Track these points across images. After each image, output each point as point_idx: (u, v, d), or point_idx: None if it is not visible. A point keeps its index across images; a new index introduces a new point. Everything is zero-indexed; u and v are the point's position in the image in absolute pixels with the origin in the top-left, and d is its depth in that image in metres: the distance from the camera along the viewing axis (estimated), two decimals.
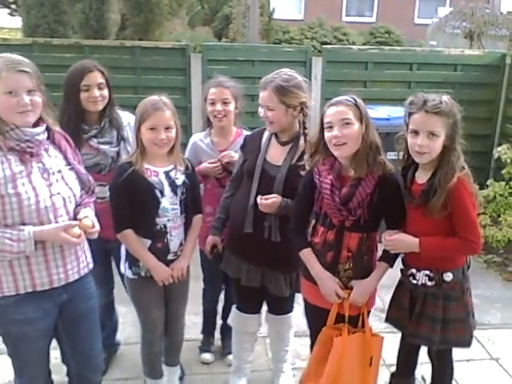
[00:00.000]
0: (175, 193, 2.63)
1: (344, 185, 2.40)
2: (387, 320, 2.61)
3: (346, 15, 21.32)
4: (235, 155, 2.95)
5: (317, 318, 2.60)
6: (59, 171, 2.20)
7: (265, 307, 3.03)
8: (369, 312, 2.59)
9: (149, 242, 2.62)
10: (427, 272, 2.37)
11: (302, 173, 2.55)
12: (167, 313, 2.85)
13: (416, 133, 2.26)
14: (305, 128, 2.67)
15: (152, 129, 2.54)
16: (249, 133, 3.03)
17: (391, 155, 2.70)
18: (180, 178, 2.65)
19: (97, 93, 2.80)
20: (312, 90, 2.90)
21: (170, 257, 2.68)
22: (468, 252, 2.38)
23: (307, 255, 2.52)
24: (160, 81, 5.54)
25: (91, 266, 2.40)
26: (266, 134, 2.78)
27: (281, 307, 2.94)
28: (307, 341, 3.54)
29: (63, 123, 2.54)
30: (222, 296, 3.42)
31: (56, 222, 2.13)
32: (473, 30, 13.00)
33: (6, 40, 5.79)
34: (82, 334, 2.41)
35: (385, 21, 20.00)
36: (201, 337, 3.50)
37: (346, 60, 5.76)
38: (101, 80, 2.83)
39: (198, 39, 12.54)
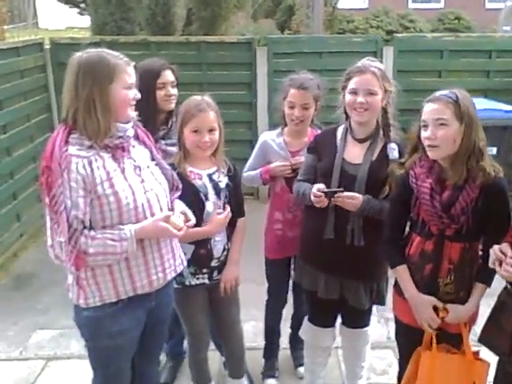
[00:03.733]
0: (219, 196, 2.52)
1: (445, 189, 2.17)
2: (480, 340, 2.30)
3: (413, 2, 20.60)
4: None
5: (410, 339, 2.36)
6: (148, 167, 2.15)
7: (339, 319, 2.83)
8: (469, 329, 2.33)
9: (192, 247, 2.51)
10: None
11: (391, 167, 2.39)
12: (219, 321, 2.74)
13: None
14: (387, 118, 2.51)
15: (195, 131, 2.44)
16: None
17: None
18: (223, 181, 2.55)
19: (172, 91, 2.77)
20: None
21: (213, 263, 2.58)
22: None
23: (402, 274, 2.31)
24: (225, 76, 5.50)
25: (185, 262, 2.34)
26: (339, 132, 2.61)
27: (357, 320, 2.76)
28: (383, 353, 3.39)
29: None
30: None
31: None
32: None
33: (75, 39, 5.92)
34: (155, 338, 2.38)
35: (453, 6, 19.18)
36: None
37: (419, 49, 5.50)
38: (173, 78, 2.80)
39: (261, 32, 12.41)
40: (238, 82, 5.57)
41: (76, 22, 20.11)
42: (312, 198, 2.43)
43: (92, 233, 1.95)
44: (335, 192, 2.39)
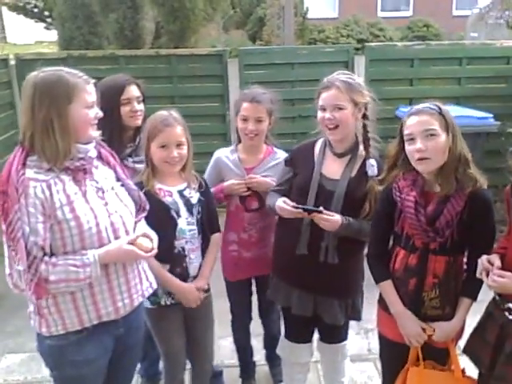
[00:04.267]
0: (191, 212, 2.46)
1: (429, 202, 2.12)
2: (465, 351, 2.27)
3: (382, 10, 20.84)
4: (265, 180, 2.70)
5: (395, 355, 2.30)
6: (112, 188, 2.05)
7: (316, 334, 2.77)
8: (455, 344, 2.28)
9: (167, 266, 2.44)
10: None
11: (369, 184, 2.34)
12: (193, 342, 2.65)
13: None
14: (367, 132, 2.44)
15: (163, 146, 2.38)
16: (280, 151, 2.79)
17: None
18: (195, 197, 2.48)
19: (137, 106, 2.68)
20: None
21: (189, 281, 2.51)
22: None
23: (387, 289, 2.25)
24: (197, 89, 5.43)
25: (155, 285, 2.23)
26: (318, 146, 2.55)
27: (335, 335, 2.69)
28: (363, 366, 3.34)
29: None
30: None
31: None
32: None
33: (42, 54, 5.78)
34: (125, 365, 2.27)
35: (422, 14, 19.49)
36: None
37: (390, 58, 5.49)
38: (138, 93, 2.71)
39: (232, 43, 12.41)
40: (210, 95, 5.50)
41: (45, 37, 19.89)
42: (287, 215, 2.37)
43: (53, 259, 1.85)
44: (312, 211, 2.32)
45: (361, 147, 2.47)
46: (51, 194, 1.85)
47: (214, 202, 2.64)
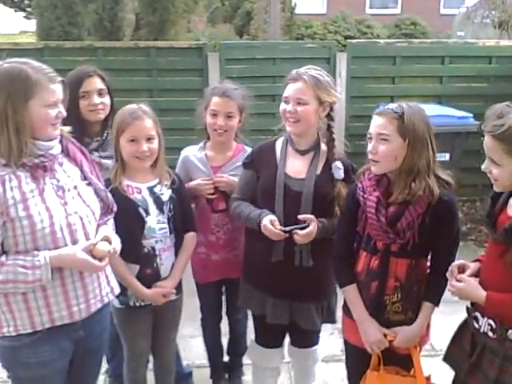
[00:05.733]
0: (161, 210, 2.38)
1: (391, 203, 2.07)
2: (445, 359, 2.18)
3: (370, 7, 20.82)
4: (233, 179, 2.61)
5: (359, 361, 2.25)
6: (75, 187, 1.97)
7: (287, 338, 2.71)
8: (420, 350, 2.23)
9: (137, 267, 2.37)
10: (491, 322, 1.92)
11: (337, 188, 2.29)
12: (156, 339, 2.60)
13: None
14: (332, 133, 2.38)
15: (132, 140, 2.30)
16: (251, 149, 2.67)
17: None
18: (166, 194, 2.40)
19: (97, 100, 2.57)
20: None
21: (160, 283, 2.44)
22: None
23: (351, 294, 2.20)
24: (176, 82, 5.35)
25: (117, 290, 2.16)
26: (278, 145, 2.46)
27: (306, 340, 2.63)
28: (336, 367, 3.30)
29: None
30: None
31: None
32: (503, 20, 12.46)
33: (17, 44, 5.63)
34: (86, 370, 2.20)
35: (410, 12, 19.48)
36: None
37: (373, 55, 5.44)
38: (101, 86, 2.60)
39: (218, 37, 12.31)
40: (190, 88, 5.40)
41: (30, 26, 19.64)
42: (273, 237, 2.29)
43: (2, 258, 1.78)
44: (293, 228, 2.26)
45: (322, 145, 2.40)
46: (4, 191, 1.78)
47: (188, 199, 2.56)
